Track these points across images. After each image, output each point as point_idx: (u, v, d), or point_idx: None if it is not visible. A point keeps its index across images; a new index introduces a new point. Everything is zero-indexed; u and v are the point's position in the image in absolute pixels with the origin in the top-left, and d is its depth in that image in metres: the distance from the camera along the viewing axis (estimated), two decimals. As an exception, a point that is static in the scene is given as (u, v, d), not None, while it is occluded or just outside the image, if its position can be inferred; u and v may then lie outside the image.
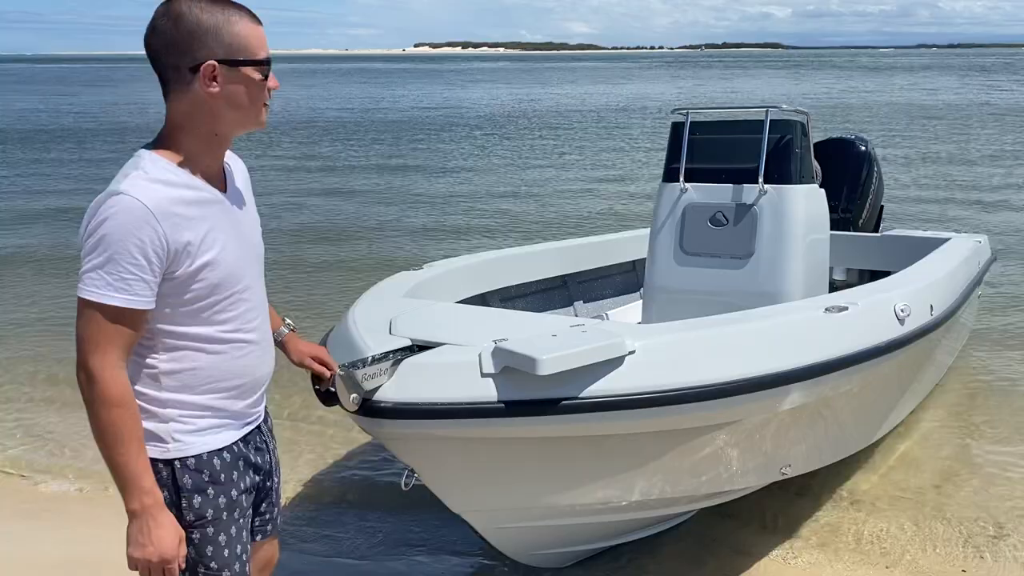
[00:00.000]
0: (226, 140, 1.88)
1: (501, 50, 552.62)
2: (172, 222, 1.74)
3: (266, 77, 1.84)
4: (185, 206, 1.77)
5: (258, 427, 2.03)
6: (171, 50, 1.77)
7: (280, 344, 2.21)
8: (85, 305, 1.71)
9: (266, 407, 2.11)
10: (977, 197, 12.39)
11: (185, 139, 1.82)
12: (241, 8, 1.82)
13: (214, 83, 1.78)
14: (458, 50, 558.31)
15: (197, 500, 1.87)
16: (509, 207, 12.21)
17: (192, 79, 1.78)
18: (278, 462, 2.13)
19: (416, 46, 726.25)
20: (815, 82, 50.66)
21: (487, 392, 2.46)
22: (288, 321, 2.28)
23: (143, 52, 1.83)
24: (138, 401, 1.82)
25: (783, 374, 2.78)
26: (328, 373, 2.27)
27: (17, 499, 4.19)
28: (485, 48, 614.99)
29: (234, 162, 2.02)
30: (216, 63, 1.77)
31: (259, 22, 1.84)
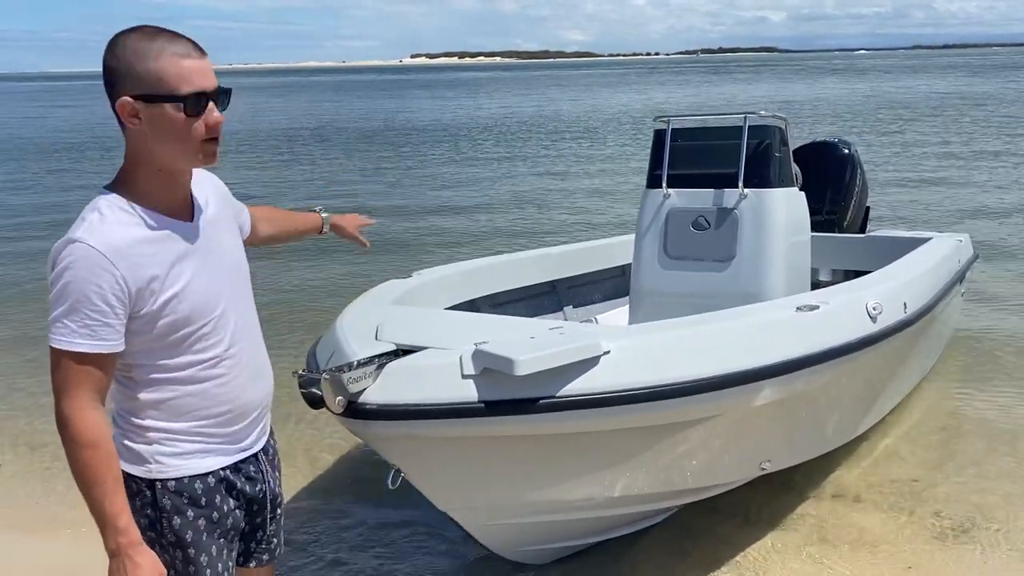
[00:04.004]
0: (178, 174, 1.85)
1: (497, 59, 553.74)
2: (131, 262, 1.74)
3: (194, 113, 1.77)
4: (144, 244, 1.77)
5: (255, 456, 2.04)
6: (107, 85, 1.77)
7: (334, 230, 2.69)
8: (54, 353, 1.74)
9: (272, 440, 2.14)
10: (974, 196, 12.53)
11: (139, 175, 1.81)
12: (175, 41, 1.76)
13: (135, 119, 1.76)
14: (455, 60, 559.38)
15: (176, 521, 1.89)
16: (501, 215, 12.34)
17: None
18: (277, 495, 2.14)
19: (412, 57, 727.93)
20: (820, 86, 50.72)
21: (467, 393, 2.56)
22: (317, 210, 2.62)
23: None
24: (124, 425, 1.88)
25: (753, 371, 2.88)
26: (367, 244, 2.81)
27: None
28: (481, 58, 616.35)
29: (206, 183, 2.01)
30: (131, 98, 1.74)
31: (191, 55, 1.77)
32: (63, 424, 1.75)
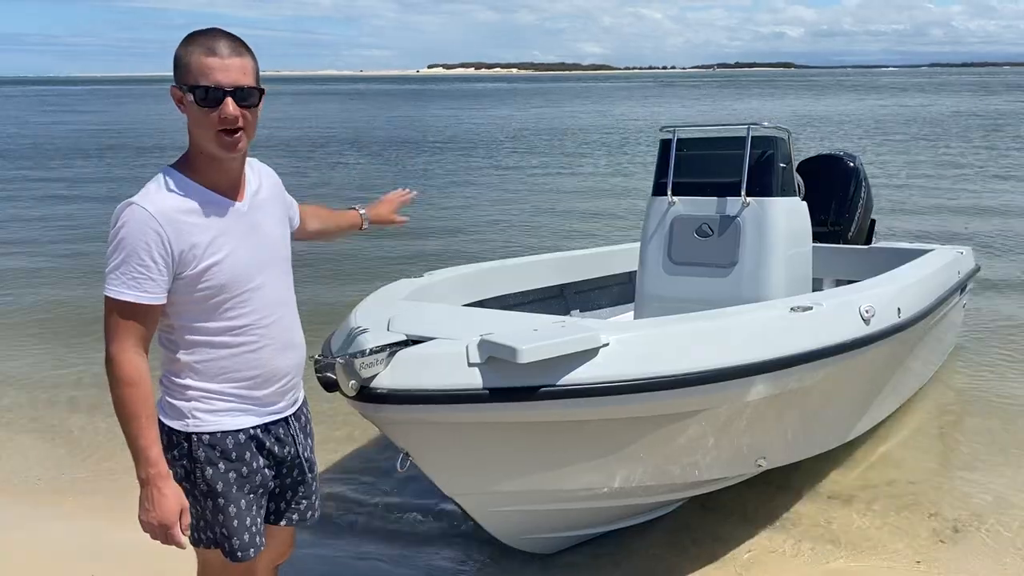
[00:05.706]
0: (220, 158, 2.03)
1: (514, 71, 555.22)
2: (176, 227, 1.97)
3: (209, 105, 1.96)
4: (190, 214, 2.00)
5: (285, 420, 2.23)
6: None
7: (375, 222, 2.78)
8: (106, 300, 1.97)
9: (306, 409, 2.34)
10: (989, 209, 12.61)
11: (193, 155, 2.06)
12: (214, 39, 1.98)
13: (181, 105, 2.02)
14: (471, 71, 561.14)
15: (208, 472, 2.10)
16: (514, 221, 12.52)
17: None
18: (309, 460, 2.32)
19: (430, 67, 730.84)
20: (838, 102, 50.61)
21: (473, 380, 2.70)
22: (356, 208, 2.75)
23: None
24: (168, 384, 2.10)
25: (745, 366, 3.00)
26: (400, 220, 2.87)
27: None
28: (498, 69, 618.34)
29: (261, 173, 2.23)
30: (176, 87, 2.01)
31: (217, 54, 1.96)
32: (109, 364, 1.97)
